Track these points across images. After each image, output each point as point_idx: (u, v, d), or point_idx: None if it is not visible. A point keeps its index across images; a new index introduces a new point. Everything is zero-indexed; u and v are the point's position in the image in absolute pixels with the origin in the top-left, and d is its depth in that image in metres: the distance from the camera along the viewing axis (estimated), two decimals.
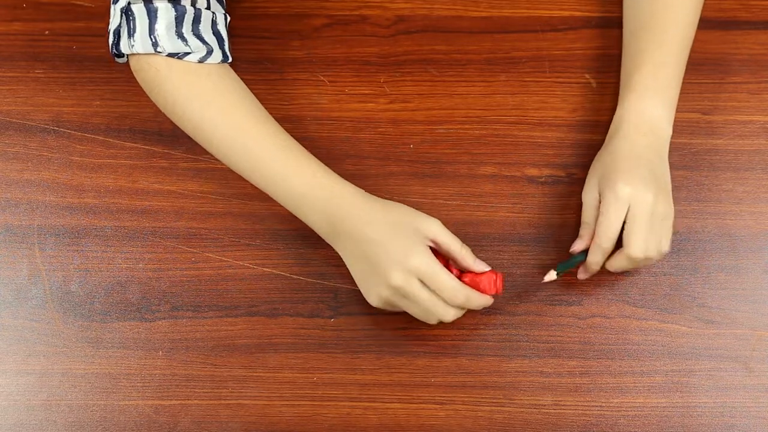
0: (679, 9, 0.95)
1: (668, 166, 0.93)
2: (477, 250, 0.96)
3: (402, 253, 0.85)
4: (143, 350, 0.94)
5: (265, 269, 0.96)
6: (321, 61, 1.04)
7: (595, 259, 0.90)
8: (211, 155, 1.00)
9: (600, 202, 0.91)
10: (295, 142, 0.91)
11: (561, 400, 0.92)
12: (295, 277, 0.96)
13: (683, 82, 1.00)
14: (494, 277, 0.90)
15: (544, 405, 0.92)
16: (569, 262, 0.92)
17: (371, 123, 1.01)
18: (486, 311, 0.94)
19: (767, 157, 0.99)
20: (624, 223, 0.88)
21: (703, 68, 1.02)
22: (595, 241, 0.89)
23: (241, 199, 0.98)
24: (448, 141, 1.00)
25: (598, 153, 0.95)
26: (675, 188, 0.98)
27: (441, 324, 0.93)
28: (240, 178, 0.97)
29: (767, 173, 0.99)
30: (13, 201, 0.99)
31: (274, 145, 0.89)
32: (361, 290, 0.90)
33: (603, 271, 0.95)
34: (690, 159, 0.99)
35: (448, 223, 0.97)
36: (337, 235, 0.89)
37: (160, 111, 1.02)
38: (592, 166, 0.94)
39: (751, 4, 1.05)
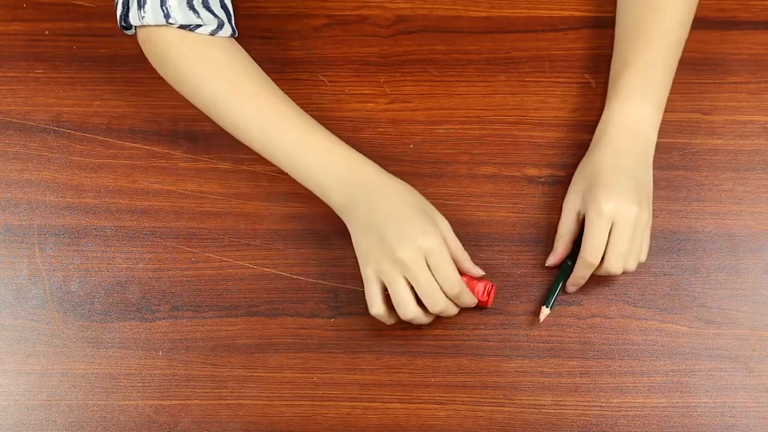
0: (669, 10, 0.94)
1: (651, 171, 0.93)
2: (477, 250, 0.96)
3: (418, 230, 0.85)
4: (143, 350, 0.94)
5: (265, 269, 0.96)
6: (321, 61, 1.04)
7: (581, 274, 0.91)
8: (211, 155, 1.00)
9: (579, 214, 0.92)
10: (306, 114, 0.92)
11: (561, 400, 0.92)
12: (295, 277, 0.96)
13: (684, 82, 1.00)
14: (489, 286, 0.92)
15: (544, 405, 0.92)
16: (553, 292, 0.93)
17: (371, 123, 1.01)
18: (486, 311, 0.94)
19: (767, 157, 0.99)
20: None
21: (703, 68, 1.02)
22: (581, 257, 0.90)
23: (241, 199, 0.98)
24: (448, 141, 1.00)
25: (582, 161, 0.95)
26: (675, 188, 0.98)
27: (441, 325, 0.93)
28: (240, 178, 0.97)
29: (767, 173, 0.99)
30: (13, 201, 0.99)
31: (290, 117, 0.90)
32: (359, 259, 0.89)
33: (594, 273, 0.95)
34: (690, 159, 0.99)
35: None
36: (354, 203, 0.88)
37: (160, 111, 1.02)
38: (575, 176, 0.94)
39: (751, 4, 1.05)
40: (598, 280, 0.95)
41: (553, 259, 0.94)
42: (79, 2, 1.06)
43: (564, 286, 0.94)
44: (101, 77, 1.03)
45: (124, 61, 1.04)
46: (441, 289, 0.87)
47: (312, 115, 1.01)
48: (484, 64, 1.03)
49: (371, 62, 1.03)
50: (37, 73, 1.03)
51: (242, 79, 0.90)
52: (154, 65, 0.92)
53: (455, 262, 0.89)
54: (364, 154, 0.99)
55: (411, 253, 0.85)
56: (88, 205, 0.99)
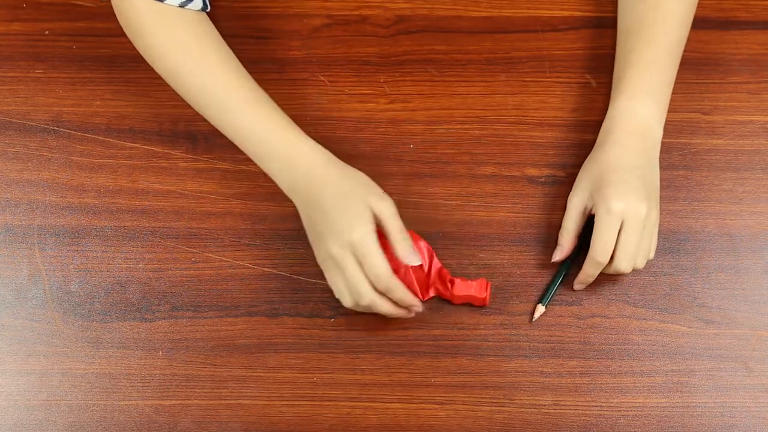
0: (669, 9, 0.94)
1: (658, 169, 0.93)
2: (477, 250, 0.96)
3: (345, 226, 0.86)
4: (143, 350, 0.94)
5: (265, 269, 0.96)
6: (321, 61, 1.04)
7: (590, 272, 0.91)
8: (211, 155, 1.00)
9: (585, 211, 0.92)
10: (266, 95, 0.92)
11: (561, 400, 0.92)
12: (295, 277, 0.96)
13: (684, 82, 1.00)
14: (485, 284, 0.92)
15: (544, 405, 0.92)
16: (550, 290, 0.94)
17: (371, 123, 1.01)
18: (486, 311, 0.94)
19: (767, 157, 0.99)
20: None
21: (703, 68, 1.02)
22: (591, 255, 0.90)
23: (241, 199, 0.98)
24: (448, 141, 1.00)
25: (588, 159, 0.95)
26: (675, 188, 0.98)
27: (441, 325, 0.93)
28: (240, 178, 0.97)
29: (767, 173, 0.99)
30: (13, 201, 0.99)
31: (246, 97, 0.90)
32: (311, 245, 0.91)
33: (603, 270, 0.95)
34: (690, 159, 0.99)
35: (447, 223, 0.97)
36: (296, 193, 0.90)
37: (160, 111, 1.02)
38: (581, 173, 0.94)
39: (751, 4, 1.05)
40: (599, 279, 0.95)
41: (560, 255, 0.93)
42: (79, 2, 1.06)
43: (560, 285, 0.94)
44: (101, 77, 1.03)
45: (124, 61, 1.04)
46: (371, 282, 0.86)
47: (312, 115, 1.01)
48: (484, 64, 1.03)
49: (371, 62, 1.03)
50: (37, 73, 1.03)
51: (205, 56, 0.91)
52: (126, 33, 0.93)
53: (393, 243, 0.87)
54: (364, 154, 1.00)
55: (338, 249, 0.86)
56: (88, 205, 0.99)
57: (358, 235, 0.85)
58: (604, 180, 0.90)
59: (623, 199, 0.88)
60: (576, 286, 0.94)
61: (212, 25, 0.94)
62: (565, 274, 0.94)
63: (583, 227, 0.93)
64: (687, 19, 0.96)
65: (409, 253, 0.88)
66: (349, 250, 0.86)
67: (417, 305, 0.90)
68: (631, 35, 0.95)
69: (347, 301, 0.88)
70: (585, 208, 0.92)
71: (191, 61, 0.91)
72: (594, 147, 0.95)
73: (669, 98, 0.95)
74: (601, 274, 0.92)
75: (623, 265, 0.89)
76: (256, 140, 0.90)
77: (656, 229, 0.92)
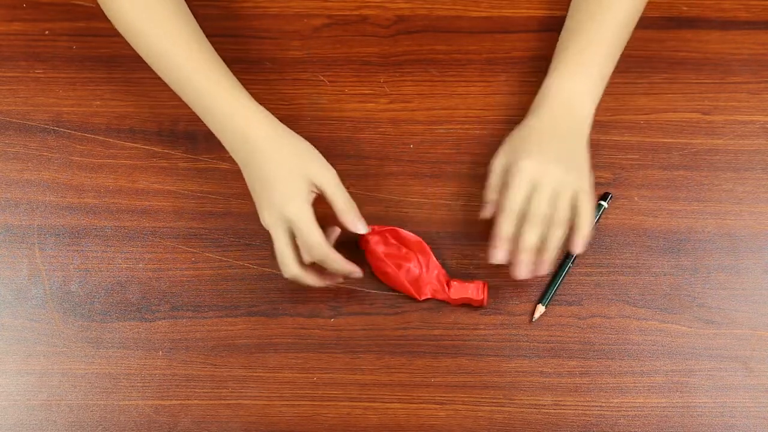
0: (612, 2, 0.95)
1: (585, 142, 0.92)
2: (477, 250, 0.96)
3: (282, 198, 0.87)
4: (143, 350, 0.94)
5: (265, 269, 0.96)
6: (321, 61, 1.04)
7: (501, 230, 0.88)
8: (211, 155, 1.00)
9: (505, 173, 0.91)
10: (222, 63, 0.92)
11: (561, 400, 0.92)
12: None
13: (684, 82, 1.01)
14: (481, 286, 0.92)
15: (544, 405, 0.92)
16: (550, 290, 0.94)
17: (371, 123, 1.01)
18: (486, 311, 0.94)
19: (767, 157, 0.99)
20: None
21: (703, 68, 1.02)
22: (500, 210, 0.88)
23: (241, 199, 0.98)
24: (448, 141, 1.00)
25: (516, 128, 0.94)
26: (675, 188, 0.98)
27: (441, 325, 0.93)
28: (240, 178, 0.97)
29: (767, 173, 0.99)
30: (13, 201, 0.99)
31: (200, 62, 0.91)
32: None
33: (603, 270, 0.95)
34: (690, 159, 0.99)
35: (448, 223, 0.97)
36: (236, 155, 0.91)
37: (160, 111, 1.02)
38: (506, 139, 0.94)
39: (751, 4, 1.05)
40: (599, 280, 0.95)
41: (488, 210, 0.92)
42: (79, 2, 1.06)
43: (560, 285, 0.94)
44: (101, 77, 1.03)
45: (124, 61, 1.04)
46: (307, 252, 0.88)
47: (312, 115, 1.01)
48: (484, 64, 1.03)
49: (371, 62, 1.03)
50: (37, 73, 1.03)
51: (164, 19, 0.92)
52: None
53: (339, 214, 0.89)
54: (364, 154, 0.99)
55: (272, 220, 0.88)
56: (88, 205, 0.99)
57: (291, 210, 0.87)
58: (523, 143, 0.91)
59: (535, 159, 0.88)
60: (494, 256, 0.89)
61: None
62: (565, 274, 0.94)
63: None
64: (636, 4, 0.96)
65: (356, 222, 0.89)
66: (282, 223, 0.87)
67: (356, 272, 0.91)
68: (575, 15, 0.97)
69: (285, 270, 0.89)
70: (505, 170, 0.91)
71: (150, 22, 0.91)
72: (525, 117, 0.95)
73: (607, 77, 0.94)
74: (612, 272, 0.91)
75: (529, 232, 0.87)
76: (205, 104, 0.91)
77: (586, 201, 0.89)
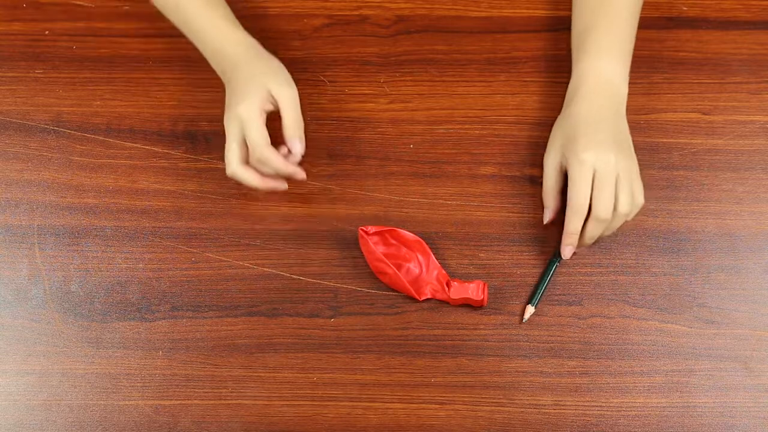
0: None
1: (626, 123, 0.94)
2: (477, 250, 0.96)
3: (237, 99, 0.92)
4: (143, 350, 0.94)
5: (265, 269, 0.96)
6: (321, 61, 1.04)
7: (573, 228, 0.91)
8: (211, 155, 1.00)
9: (561, 169, 0.93)
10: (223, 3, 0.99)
11: (561, 400, 0.92)
12: (295, 277, 0.96)
13: (684, 82, 1.01)
14: (482, 285, 0.92)
15: (544, 405, 0.92)
16: (538, 290, 0.94)
17: (371, 123, 1.01)
18: (486, 311, 0.94)
19: (767, 157, 0.99)
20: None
21: (703, 68, 1.02)
22: (570, 207, 0.90)
23: (241, 199, 0.98)
24: (448, 141, 1.00)
25: (558, 118, 0.96)
26: (675, 188, 0.98)
27: (441, 325, 0.93)
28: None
29: (767, 173, 0.99)
30: (13, 201, 0.99)
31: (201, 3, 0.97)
32: None
33: (603, 270, 0.95)
34: (690, 159, 0.99)
35: (447, 223, 0.97)
36: (221, 75, 0.97)
37: (160, 111, 1.02)
38: (552, 132, 0.95)
39: (751, 4, 1.05)
40: (599, 280, 0.95)
41: (549, 214, 0.94)
42: (79, 2, 1.06)
43: (557, 284, 0.94)
44: (101, 77, 1.03)
45: (124, 61, 1.04)
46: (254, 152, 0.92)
47: (312, 115, 1.01)
48: (484, 64, 1.03)
49: (371, 62, 1.03)
50: (37, 73, 1.04)
51: None
52: None
53: (283, 129, 0.92)
54: (364, 154, 1.00)
55: (227, 118, 0.93)
56: (88, 205, 0.99)
57: (242, 109, 0.91)
58: (574, 135, 0.92)
59: (592, 150, 0.90)
60: (565, 251, 0.93)
61: None
62: (552, 274, 0.94)
63: (563, 186, 0.93)
64: None
65: (294, 140, 0.93)
66: (235, 122, 0.92)
67: (298, 173, 0.93)
68: (584, 7, 0.98)
69: (228, 168, 0.93)
70: (560, 165, 0.93)
71: None
72: (563, 107, 0.96)
73: (630, 57, 0.96)
74: (611, 272, 0.92)
75: (602, 212, 0.89)
76: (196, 27, 0.96)
77: (636, 178, 0.92)
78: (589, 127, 0.92)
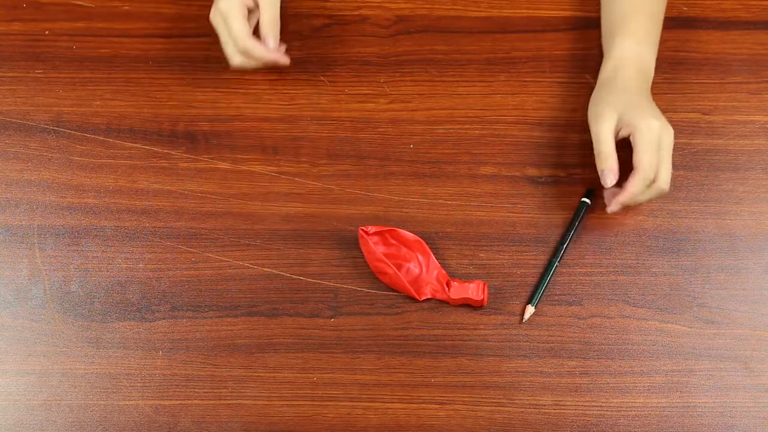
0: None
1: None
2: (477, 250, 0.96)
3: None
4: (143, 350, 0.94)
5: (265, 269, 0.96)
6: (321, 61, 1.04)
7: (636, 190, 0.91)
8: (211, 155, 1.00)
9: (616, 133, 0.93)
10: None
11: (561, 400, 0.92)
12: (295, 277, 0.96)
13: (684, 82, 1.01)
14: (482, 285, 0.92)
15: (544, 405, 0.92)
16: (538, 290, 0.94)
17: (371, 123, 1.01)
18: (486, 311, 0.94)
19: (767, 157, 0.99)
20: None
21: (703, 68, 1.02)
22: (638, 173, 0.90)
23: (241, 199, 0.98)
24: (448, 141, 1.00)
25: (601, 92, 0.95)
26: (675, 188, 0.98)
27: (441, 325, 0.93)
28: (240, 178, 0.97)
29: (767, 173, 0.99)
30: (13, 201, 0.99)
31: None
32: None
33: (603, 270, 0.95)
34: (690, 159, 0.99)
35: (447, 223, 0.97)
36: None
37: (160, 111, 1.02)
38: (598, 103, 0.94)
39: (751, 4, 1.05)
40: (599, 280, 0.95)
41: (613, 176, 0.92)
42: (79, 2, 1.06)
43: (556, 284, 0.94)
44: (101, 77, 1.03)
45: (124, 61, 1.04)
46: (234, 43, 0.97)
47: (312, 115, 1.01)
48: (484, 64, 1.03)
49: (371, 62, 1.03)
50: (37, 73, 1.03)
51: None
52: None
53: (260, 26, 0.98)
54: (364, 154, 1.00)
55: (213, 17, 0.98)
56: (88, 205, 0.99)
57: (222, 4, 0.97)
58: (635, 103, 0.93)
59: (660, 119, 0.92)
60: (613, 207, 0.93)
61: None
62: (552, 274, 0.94)
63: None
64: None
65: (269, 36, 0.98)
66: (218, 18, 0.98)
67: (282, 60, 0.99)
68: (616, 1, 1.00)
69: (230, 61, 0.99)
70: (616, 131, 0.93)
71: None
72: (599, 84, 0.97)
73: (658, 44, 0.99)
74: (611, 272, 0.91)
75: (665, 181, 0.91)
76: None
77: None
78: (645, 99, 0.94)
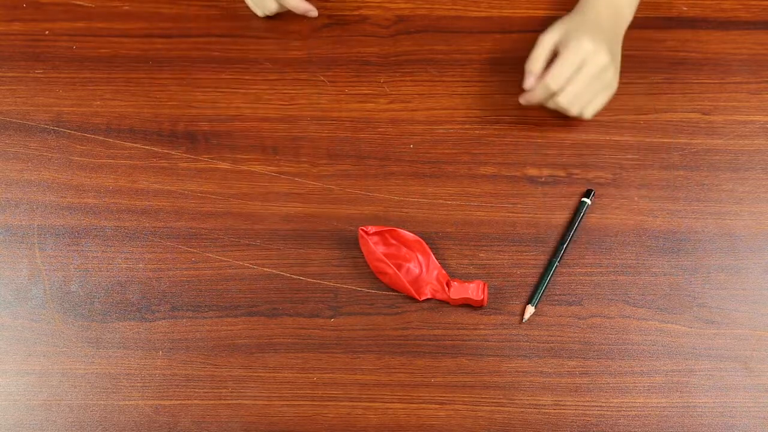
0: None
1: (620, 47, 0.98)
2: (477, 250, 0.96)
3: None
4: (143, 350, 0.94)
5: (265, 269, 0.96)
6: (321, 61, 1.04)
7: (538, 95, 0.95)
8: (211, 155, 1.00)
9: (553, 49, 0.95)
10: None
11: (561, 400, 0.92)
12: (295, 277, 0.96)
13: (684, 82, 1.01)
14: (482, 285, 0.92)
15: (544, 405, 0.92)
16: (538, 290, 0.94)
17: (371, 123, 1.01)
18: (486, 311, 0.94)
19: (767, 157, 0.99)
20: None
21: (703, 68, 1.02)
22: (544, 80, 0.93)
23: (241, 199, 0.98)
24: (448, 141, 1.00)
25: (567, 16, 0.97)
26: (675, 188, 0.98)
27: (441, 325, 0.93)
28: (240, 178, 0.97)
29: (767, 173, 0.99)
30: (13, 201, 0.99)
31: None
32: None
33: (603, 270, 0.95)
34: (690, 159, 0.99)
35: (447, 223, 0.97)
36: None
37: (160, 111, 1.02)
38: (558, 22, 0.96)
39: (751, 4, 1.05)
40: (599, 280, 0.95)
41: (531, 78, 0.95)
42: (79, 2, 1.06)
43: (556, 285, 0.94)
44: (101, 77, 1.03)
45: (124, 61, 1.04)
46: None
47: (312, 115, 1.01)
48: (484, 64, 1.03)
49: (371, 62, 1.03)
50: (37, 73, 1.04)
51: None
52: None
53: None
54: (364, 154, 1.00)
55: None
56: (88, 205, 0.99)
57: None
58: (581, 26, 0.95)
59: (595, 43, 0.93)
60: (521, 100, 0.98)
61: None
62: (552, 274, 0.94)
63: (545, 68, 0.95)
64: None
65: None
66: None
67: (312, 12, 1.01)
68: None
69: (258, 12, 1.03)
70: (555, 45, 0.95)
71: None
72: (571, 11, 0.98)
73: None
74: (611, 272, 0.91)
75: (566, 98, 0.94)
76: None
77: (606, 93, 0.95)
78: (596, 28, 0.95)
